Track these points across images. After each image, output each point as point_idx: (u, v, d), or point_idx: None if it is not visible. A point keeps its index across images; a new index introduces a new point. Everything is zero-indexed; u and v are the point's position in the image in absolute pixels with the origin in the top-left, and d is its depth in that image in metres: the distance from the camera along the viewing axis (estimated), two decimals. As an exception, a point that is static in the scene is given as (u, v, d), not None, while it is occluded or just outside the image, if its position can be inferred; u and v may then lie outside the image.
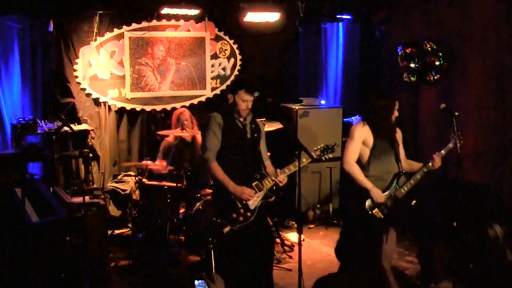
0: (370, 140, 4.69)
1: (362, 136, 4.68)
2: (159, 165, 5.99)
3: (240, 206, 4.32)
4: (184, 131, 5.90)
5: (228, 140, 4.40)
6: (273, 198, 4.50)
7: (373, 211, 4.63)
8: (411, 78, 6.78)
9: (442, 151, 4.79)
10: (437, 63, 6.53)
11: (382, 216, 4.63)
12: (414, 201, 4.75)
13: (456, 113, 4.80)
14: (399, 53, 6.79)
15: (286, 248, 5.96)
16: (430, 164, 4.71)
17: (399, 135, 4.88)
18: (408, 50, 6.69)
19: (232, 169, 4.37)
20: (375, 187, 4.61)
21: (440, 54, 6.53)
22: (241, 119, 4.46)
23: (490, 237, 2.99)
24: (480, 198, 5.86)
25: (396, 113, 4.71)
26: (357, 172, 4.65)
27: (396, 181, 4.71)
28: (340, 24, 7.74)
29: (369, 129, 4.69)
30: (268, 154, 4.73)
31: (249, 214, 4.34)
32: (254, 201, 4.36)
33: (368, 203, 4.63)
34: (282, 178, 4.39)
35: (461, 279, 2.75)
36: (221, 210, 4.37)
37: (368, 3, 7.34)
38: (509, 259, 2.93)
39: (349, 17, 7.56)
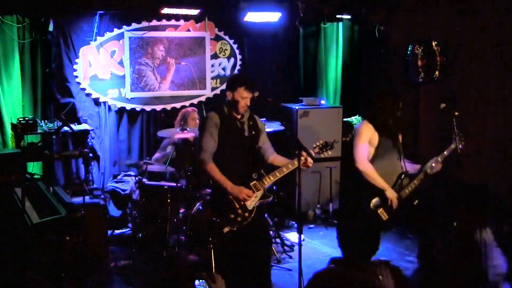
0: (376, 138, 4.70)
1: (368, 134, 4.70)
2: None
3: (238, 206, 4.30)
4: (185, 131, 5.89)
5: (225, 140, 4.38)
6: (271, 197, 4.48)
7: (379, 211, 4.63)
8: (420, 77, 6.77)
9: (445, 152, 4.79)
10: (442, 62, 6.54)
11: (387, 217, 4.64)
12: (416, 201, 4.77)
13: (456, 113, 4.81)
14: (414, 52, 6.76)
15: (286, 248, 5.96)
16: (429, 168, 4.74)
17: (400, 136, 4.90)
18: (421, 48, 6.68)
19: (230, 168, 4.35)
20: (390, 188, 4.62)
21: (443, 53, 6.54)
22: (239, 117, 4.44)
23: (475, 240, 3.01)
24: (480, 198, 5.87)
25: (399, 113, 4.73)
26: (372, 171, 4.65)
27: (400, 181, 4.72)
28: (340, 24, 7.74)
29: (373, 127, 4.70)
30: None
31: (247, 214, 4.32)
32: (252, 201, 4.34)
33: (374, 201, 4.64)
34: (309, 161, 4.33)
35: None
36: (219, 210, 4.36)
37: (368, 3, 7.33)
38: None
39: (349, 17, 7.56)
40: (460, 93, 6.53)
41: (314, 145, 4.53)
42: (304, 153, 4.27)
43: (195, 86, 7.18)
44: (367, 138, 4.71)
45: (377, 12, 7.34)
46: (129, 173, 6.64)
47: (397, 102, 4.74)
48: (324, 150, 4.54)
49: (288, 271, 5.44)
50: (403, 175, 4.75)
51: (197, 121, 6.25)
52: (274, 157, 4.60)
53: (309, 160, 4.31)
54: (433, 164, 4.75)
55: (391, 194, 4.62)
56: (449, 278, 2.90)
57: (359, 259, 2.77)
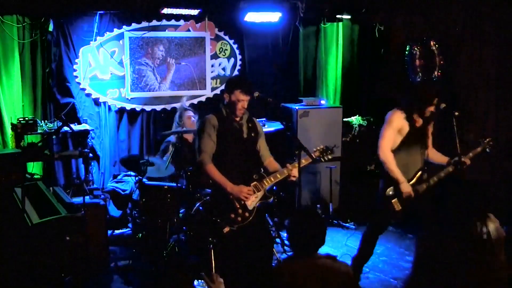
0: (405, 128, 4.68)
1: (399, 123, 4.68)
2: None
3: (238, 206, 4.31)
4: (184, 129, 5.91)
5: (224, 141, 4.38)
6: (271, 198, 4.48)
7: (393, 201, 4.63)
8: (418, 77, 6.78)
9: (470, 154, 4.83)
10: (441, 62, 6.54)
11: (400, 208, 4.63)
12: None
13: (456, 113, 4.81)
14: (412, 52, 6.76)
15: (286, 248, 5.95)
16: (457, 164, 4.72)
17: (431, 128, 4.89)
18: (419, 48, 6.68)
19: (230, 170, 4.36)
20: (406, 182, 4.61)
21: (443, 53, 6.55)
22: (237, 119, 4.45)
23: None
24: (480, 197, 5.86)
25: (432, 108, 4.70)
26: (391, 162, 4.63)
27: (420, 176, 4.71)
28: (340, 24, 7.74)
29: (405, 117, 4.69)
30: None
31: (247, 214, 4.33)
32: (252, 202, 4.34)
33: (390, 190, 4.64)
34: (296, 172, 4.37)
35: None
36: (219, 210, 4.36)
37: (368, 3, 7.34)
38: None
39: (349, 17, 7.56)
40: (460, 93, 6.53)
41: (315, 149, 4.58)
42: (292, 166, 4.36)
43: (195, 86, 7.18)
44: (397, 127, 4.68)
45: (377, 12, 7.35)
46: (129, 173, 6.64)
47: (433, 97, 4.67)
48: (325, 154, 4.59)
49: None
50: (422, 170, 4.74)
51: (193, 119, 6.26)
52: (269, 162, 4.61)
53: (294, 173, 4.37)
54: (462, 159, 4.73)
55: (405, 187, 4.60)
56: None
57: (309, 253, 2.88)
